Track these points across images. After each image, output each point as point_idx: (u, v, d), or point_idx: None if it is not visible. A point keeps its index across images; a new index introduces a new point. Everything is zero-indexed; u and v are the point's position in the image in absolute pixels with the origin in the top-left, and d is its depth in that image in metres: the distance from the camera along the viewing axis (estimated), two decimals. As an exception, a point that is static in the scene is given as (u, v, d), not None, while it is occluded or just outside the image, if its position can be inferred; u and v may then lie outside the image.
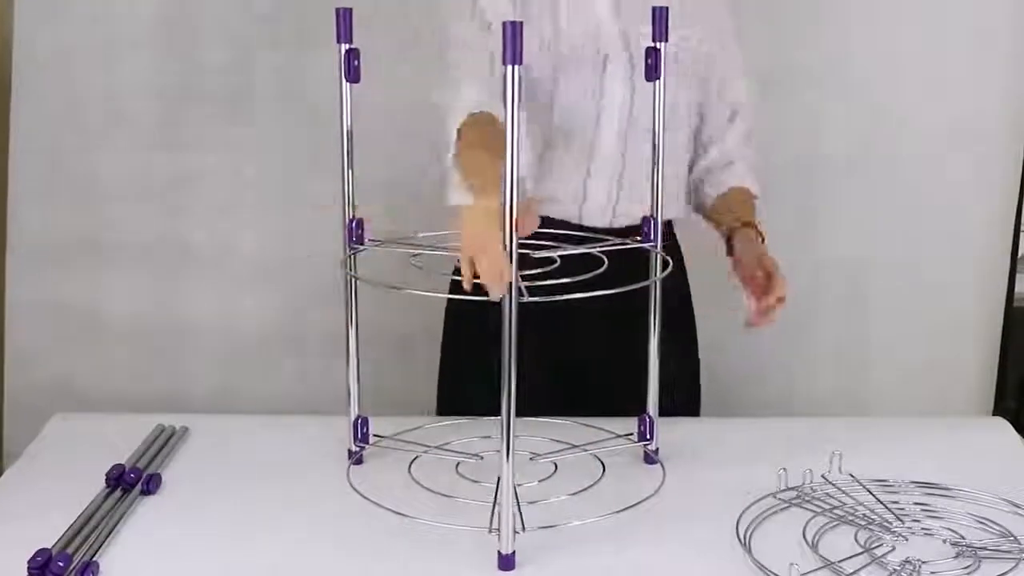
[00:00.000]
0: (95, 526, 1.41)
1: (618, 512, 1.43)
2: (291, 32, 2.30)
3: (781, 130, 2.34)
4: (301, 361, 2.42)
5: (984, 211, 2.40)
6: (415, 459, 1.55)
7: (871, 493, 1.50)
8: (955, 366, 2.45)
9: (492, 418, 1.54)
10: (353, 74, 1.46)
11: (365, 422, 1.60)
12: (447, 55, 1.70)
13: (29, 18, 2.33)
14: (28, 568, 1.29)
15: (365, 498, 1.43)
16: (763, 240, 1.78)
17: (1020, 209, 2.41)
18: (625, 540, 1.39)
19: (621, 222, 1.78)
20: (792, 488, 1.50)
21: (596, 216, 1.78)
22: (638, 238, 1.58)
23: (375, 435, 1.61)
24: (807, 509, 1.47)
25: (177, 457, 1.63)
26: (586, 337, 1.83)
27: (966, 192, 2.38)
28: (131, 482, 1.51)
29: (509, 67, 1.22)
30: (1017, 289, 2.48)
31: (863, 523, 1.43)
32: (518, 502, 1.33)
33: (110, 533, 1.39)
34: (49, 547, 1.33)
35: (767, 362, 2.45)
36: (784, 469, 1.51)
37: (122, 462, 1.56)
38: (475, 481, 1.48)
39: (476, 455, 1.55)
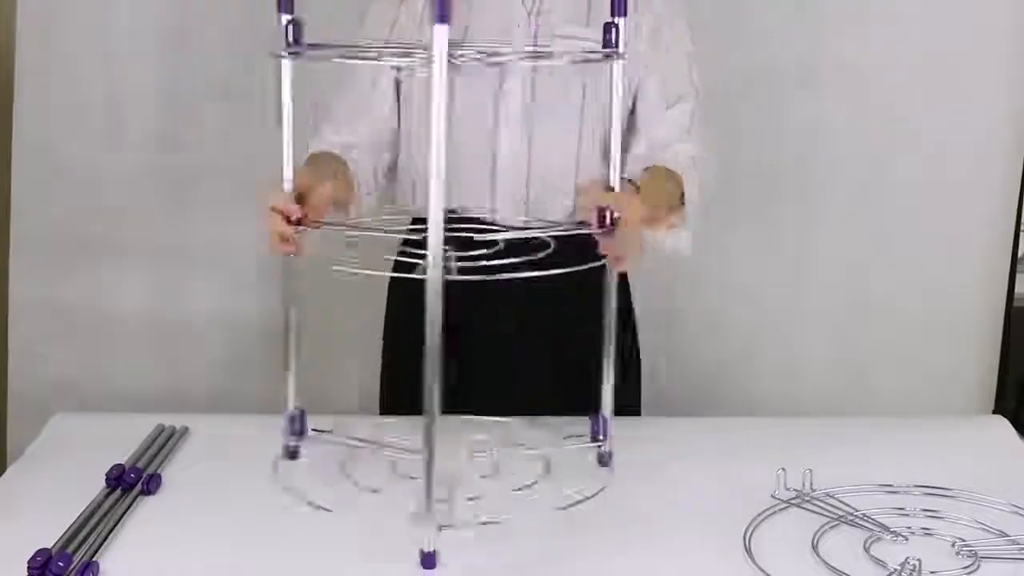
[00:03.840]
0: (95, 526, 1.41)
1: (560, 509, 1.41)
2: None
3: (781, 130, 2.35)
4: (301, 361, 2.41)
5: (984, 211, 2.40)
6: (349, 456, 1.52)
7: (871, 493, 1.51)
8: (955, 366, 2.45)
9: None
10: (296, 47, 1.41)
11: (302, 416, 1.53)
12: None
13: (31, 20, 2.33)
14: (28, 568, 1.28)
15: (302, 499, 1.42)
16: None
17: (1020, 209, 2.41)
18: (626, 540, 1.40)
19: (536, 225, 1.72)
20: (792, 488, 1.50)
21: (509, 220, 1.72)
22: (590, 224, 1.45)
23: (313, 429, 1.54)
24: (807, 510, 1.47)
25: (177, 457, 1.63)
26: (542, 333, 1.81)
27: (966, 192, 2.38)
28: (131, 482, 1.51)
29: (438, 26, 1.22)
30: (1017, 289, 2.48)
31: (863, 523, 1.43)
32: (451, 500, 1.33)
33: (110, 533, 1.39)
34: (49, 547, 1.33)
35: (767, 361, 2.45)
36: (783, 469, 1.51)
37: (122, 462, 1.56)
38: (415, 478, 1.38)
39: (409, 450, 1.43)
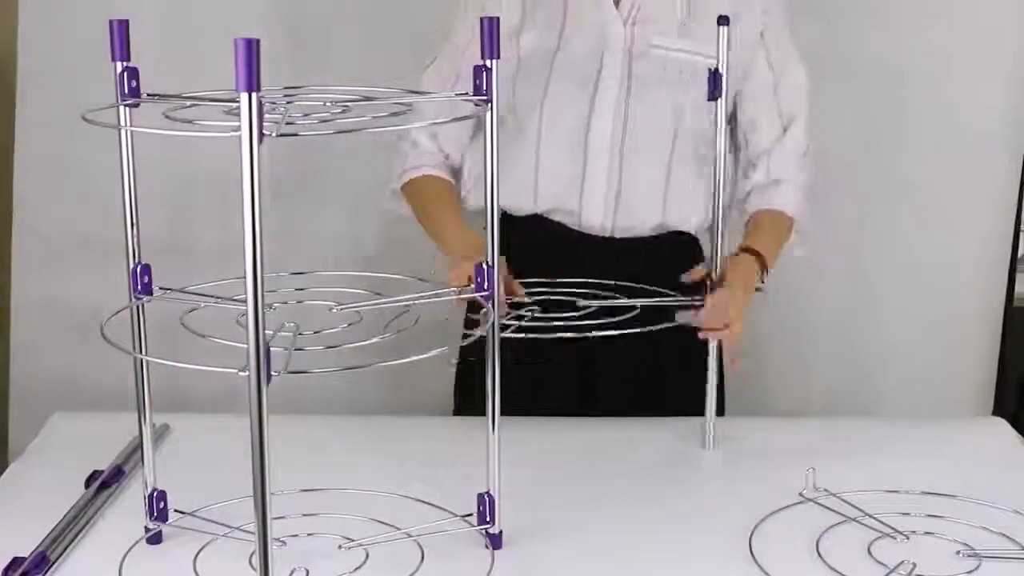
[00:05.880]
0: (79, 527, 1.41)
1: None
2: (292, 31, 2.30)
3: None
4: (300, 361, 2.41)
5: (984, 211, 2.40)
6: (208, 543, 1.37)
7: (873, 494, 1.51)
8: (955, 366, 2.45)
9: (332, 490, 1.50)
10: (131, 94, 1.32)
11: (162, 496, 1.40)
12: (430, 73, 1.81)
13: (32, 19, 2.33)
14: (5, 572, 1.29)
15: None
16: (764, 271, 1.70)
17: (1020, 209, 2.41)
18: (628, 540, 1.40)
19: (620, 234, 1.78)
20: (794, 489, 1.50)
21: (595, 227, 1.77)
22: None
23: (176, 511, 1.42)
24: (809, 510, 1.47)
25: (168, 458, 1.62)
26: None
27: (966, 192, 2.38)
28: (113, 483, 1.51)
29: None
30: (1017, 289, 2.48)
31: (865, 524, 1.43)
32: None
33: (78, 535, 1.39)
34: (26, 554, 1.31)
35: (768, 363, 2.45)
36: (786, 470, 1.51)
37: (111, 464, 1.55)
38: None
39: (280, 540, 1.35)
